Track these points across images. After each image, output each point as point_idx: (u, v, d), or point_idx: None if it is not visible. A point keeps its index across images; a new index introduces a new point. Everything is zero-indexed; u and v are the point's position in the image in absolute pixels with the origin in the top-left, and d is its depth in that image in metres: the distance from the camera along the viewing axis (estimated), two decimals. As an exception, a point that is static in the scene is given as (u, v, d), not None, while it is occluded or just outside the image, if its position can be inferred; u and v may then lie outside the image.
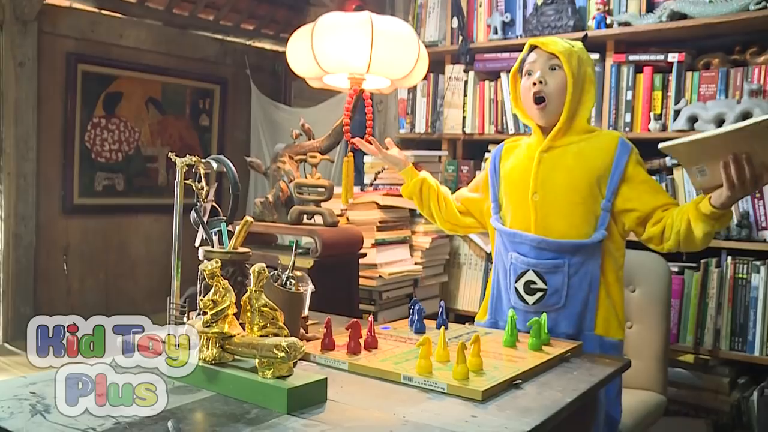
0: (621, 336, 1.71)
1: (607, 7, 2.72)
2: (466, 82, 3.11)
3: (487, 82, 3.05)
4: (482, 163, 3.05)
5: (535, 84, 1.69)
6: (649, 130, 2.61)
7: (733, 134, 1.31)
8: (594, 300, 1.66)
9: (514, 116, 2.92)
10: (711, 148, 1.37)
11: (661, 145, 1.48)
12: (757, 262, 2.39)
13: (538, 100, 1.70)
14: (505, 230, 1.75)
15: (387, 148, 1.96)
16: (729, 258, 2.44)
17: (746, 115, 2.36)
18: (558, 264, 1.65)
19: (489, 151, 3.00)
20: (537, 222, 1.69)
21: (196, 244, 1.41)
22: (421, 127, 3.26)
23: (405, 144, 3.36)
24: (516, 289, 1.70)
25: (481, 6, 3.08)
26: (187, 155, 1.36)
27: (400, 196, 2.74)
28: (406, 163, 1.94)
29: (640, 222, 1.66)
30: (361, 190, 2.87)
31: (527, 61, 1.74)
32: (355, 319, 1.42)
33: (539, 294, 1.66)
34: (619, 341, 1.70)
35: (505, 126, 3.00)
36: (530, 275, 1.68)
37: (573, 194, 1.67)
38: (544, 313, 1.53)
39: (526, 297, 1.69)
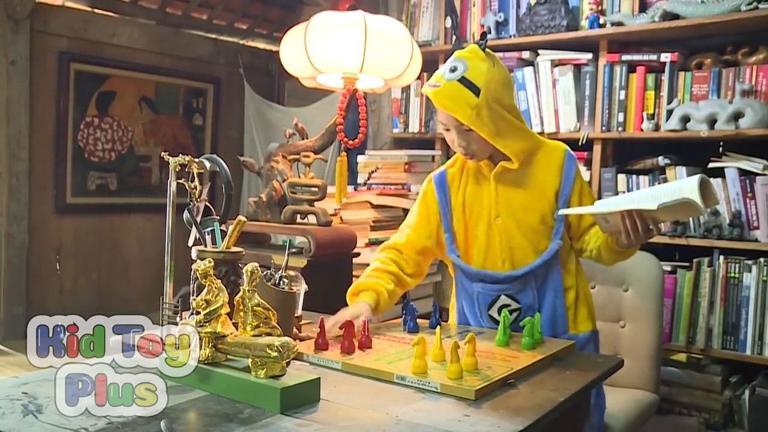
0: (590, 327, 1.71)
1: (600, 7, 2.72)
2: (459, 82, 3.10)
3: (480, 82, 3.05)
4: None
5: (458, 146, 1.65)
6: (641, 130, 2.61)
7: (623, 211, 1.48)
8: (561, 304, 1.67)
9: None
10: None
11: (560, 212, 1.63)
12: (749, 262, 2.40)
13: (467, 156, 1.67)
14: (468, 269, 1.69)
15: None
16: (721, 257, 2.45)
17: (738, 116, 2.38)
18: (526, 281, 1.66)
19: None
20: (502, 244, 1.67)
21: (189, 243, 1.40)
22: (414, 126, 3.26)
23: (398, 144, 3.36)
24: (490, 316, 1.68)
25: (474, 5, 3.08)
26: (180, 154, 1.36)
27: (394, 195, 2.76)
28: (360, 311, 1.59)
29: (567, 228, 1.69)
30: (355, 189, 2.87)
31: (438, 113, 1.64)
32: (349, 319, 1.42)
33: (515, 314, 1.66)
34: (590, 333, 1.70)
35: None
36: (503, 300, 1.67)
37: (532, 215, 1.67)
38: (537, 313, 1.54)
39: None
